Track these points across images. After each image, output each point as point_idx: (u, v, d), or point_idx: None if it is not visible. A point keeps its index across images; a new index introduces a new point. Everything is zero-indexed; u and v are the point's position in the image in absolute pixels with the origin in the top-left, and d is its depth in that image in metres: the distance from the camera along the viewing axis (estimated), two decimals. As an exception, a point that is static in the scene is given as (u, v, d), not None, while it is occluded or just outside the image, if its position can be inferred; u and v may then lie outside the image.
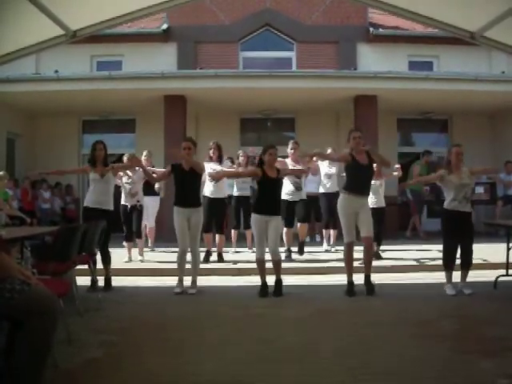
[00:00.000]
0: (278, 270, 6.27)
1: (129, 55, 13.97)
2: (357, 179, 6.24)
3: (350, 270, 6.27)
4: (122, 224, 8.41)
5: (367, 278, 6.24)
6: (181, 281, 6.40)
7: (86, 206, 6.67)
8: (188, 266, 6.47)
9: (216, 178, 7.26)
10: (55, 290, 3.01)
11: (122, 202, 8.38)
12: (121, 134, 13.73)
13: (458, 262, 6.24)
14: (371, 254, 6.45)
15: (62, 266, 4.65)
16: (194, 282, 6.42)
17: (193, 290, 6.34)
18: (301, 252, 8.75)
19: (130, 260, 8.44)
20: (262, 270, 6.28)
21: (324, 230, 9.89)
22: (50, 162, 12.85)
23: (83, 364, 3.69)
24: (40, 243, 5.43)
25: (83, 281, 5.99)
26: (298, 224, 8.65)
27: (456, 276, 6.20)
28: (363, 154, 6.28)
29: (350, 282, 6.21)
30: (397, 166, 8.78)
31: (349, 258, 6.30)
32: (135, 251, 8.54)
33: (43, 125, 13.38)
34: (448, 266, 6.18)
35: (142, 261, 8.48)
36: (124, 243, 8.61)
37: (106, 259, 6.59)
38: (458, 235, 6.09)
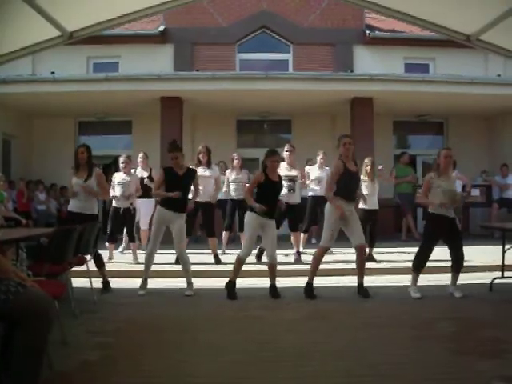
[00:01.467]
0: (273, 275, 6.25)
1: (125, 57, 13.97)
2: (347, 186, 6.16)
3: (313, 273, 6.21)
4: (106, 224, 8.38)
5: (360, 285, 6.19)
6: (146, 279, 6.43)
7: (70, 210, 6.62)
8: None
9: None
10: (50, 292, 3.01)
11: (114, 204, 8.33)
12: (117, 136, 13.72)
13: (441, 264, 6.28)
14: (364, 262, 6.36)
15: (57, 268, 4.64)
16: (189, 283, 6.39)
17: (190, 291, 6.32)
18: (298, 261, 8.57)
19: (110, 259, 8.30)
20: (238, 270, 6.21)
21: (302, 234, 9.69)
22: (46, 163, 12.88)
23: (78, 366, 3.68)
24: (35, 245, 5.40)
25: (81, 283, 5.97)
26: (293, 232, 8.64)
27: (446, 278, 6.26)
28: (351, 161, 6.24)
29: (310, 284, 6.17)
30: (380, 167, 8.85)
31: (317, 260, 6.24)
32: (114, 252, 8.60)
33: (39, 126, 13.37)
34: (419, 268, 6.14)
35: (137, 263, 8.40)
36: (106, 244, 8.41)
37: (100, 262, 6.55)
38: (444, 240, 6.08)
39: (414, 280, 6.17)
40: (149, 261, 6.45)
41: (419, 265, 6.16)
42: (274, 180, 6.19)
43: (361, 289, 6.17)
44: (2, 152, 12.14)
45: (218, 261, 8.40)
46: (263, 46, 14.69)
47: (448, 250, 6.11)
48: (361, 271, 6.25)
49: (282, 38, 14.70)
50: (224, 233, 9.46)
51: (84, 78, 11.53)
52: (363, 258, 6.29)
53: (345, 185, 6.17)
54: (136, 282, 7.15)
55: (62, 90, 10.95)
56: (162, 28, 14.18)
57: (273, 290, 6.19)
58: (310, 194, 9.36)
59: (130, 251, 8.69)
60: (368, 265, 6.46)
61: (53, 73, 11.21)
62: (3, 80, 10.72)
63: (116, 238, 8.49)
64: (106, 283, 6.53)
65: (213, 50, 14.29)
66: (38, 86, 11.06)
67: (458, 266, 6.09)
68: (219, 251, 9.12)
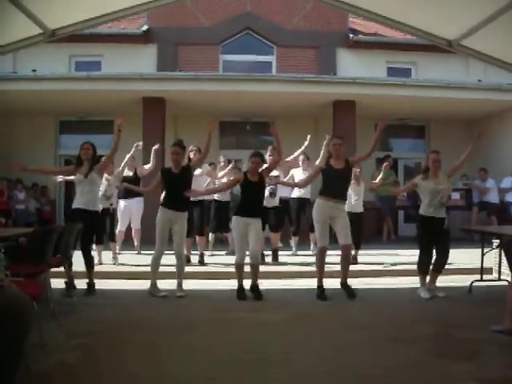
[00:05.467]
0: (255, 275, 6.26)
1: (108, 56, 13.87)
2: (331, 184, 6.19)
3: (321, 275, 6.26)
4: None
5: (344, 284, 6.29)
6: (154, 284, 6.32)
7: (75, 207, 6.39)
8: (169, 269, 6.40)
9: (195, 195, 7.08)
10: (29, 292, 2.96)
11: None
12: (98, 135, 13.50)
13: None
14: (349, 262, 6.46)
15: (36, 268, 4.58)
16: (180, 284, 6.35)
17: (181, 292, 6.26)
18: (275, 259, 8.72)
19: (100, 263, 8.12)
20: (240, 275, 6.24)
21: (293, 237, 9.76)
22: (26, 162, 12.65)
23: (57, 367, 3.63)
24: (14, 244, 5.33)
25: (61, 284, 5.90)
26: (271, 233, 8.66)
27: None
28: (341, 160, 6.27)
29: (321, 287, 6.20)
30: (357, 169, 8.66)
31: (320, 262, 6.29)
32: (105, 254, 8.40)
33: (20, 124, 13.17)
34: (423, 270, 6.26)
35: (115, 263, 8.35)
36: (94, 246, 8.34)
37: (90, 262, 6.43)
38: (433, 240, 6.17)
39: (422, 282, 6.29)
40: (156, 265, 6.35)
41: (420, 268, 6.30)
42: (254, 180, 6.20)
43: (345, 288, 6.25)
44: (-19, 150, 11.95)
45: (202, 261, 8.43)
46: (247, 47, 14.70)
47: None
48: (343, 271, 6.32)
49: (266, 39, 14.73)
50: (211, 234, 9.41)
51: (66, 77, 11.43)
52: (347, 257, 6.34)
53: (329, 182, 6.21)
54: (113, 284, 7.11)
55: (43, 89, 10.83)
56: (145, 28, 14.11)
57: (255, 291, 6.19)
58: (294, 196, 9.40)
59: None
60: (350, 267, 6.49)
61: (34, 71, 11.08)
62: (-17, 77, 10.57)
63: (103, 239, 8.36)
64: (90, 285, 6.39)
65: (196, 50, 14.26)
66: (18, 84, 10.92)
67: (438, 266, 6.20)
68: (207, 253, 9.05)
